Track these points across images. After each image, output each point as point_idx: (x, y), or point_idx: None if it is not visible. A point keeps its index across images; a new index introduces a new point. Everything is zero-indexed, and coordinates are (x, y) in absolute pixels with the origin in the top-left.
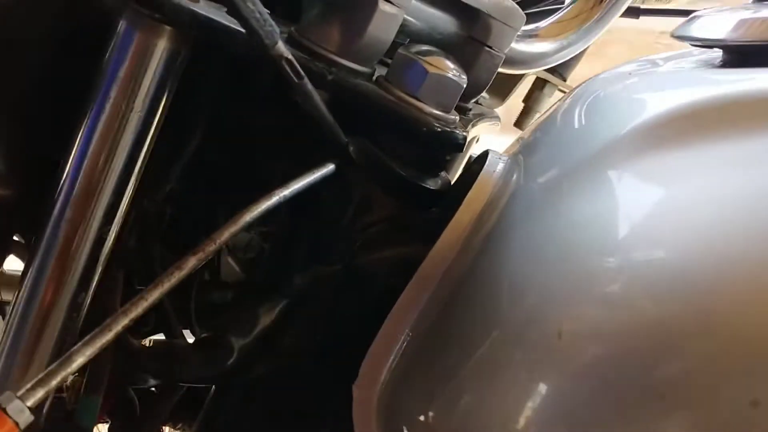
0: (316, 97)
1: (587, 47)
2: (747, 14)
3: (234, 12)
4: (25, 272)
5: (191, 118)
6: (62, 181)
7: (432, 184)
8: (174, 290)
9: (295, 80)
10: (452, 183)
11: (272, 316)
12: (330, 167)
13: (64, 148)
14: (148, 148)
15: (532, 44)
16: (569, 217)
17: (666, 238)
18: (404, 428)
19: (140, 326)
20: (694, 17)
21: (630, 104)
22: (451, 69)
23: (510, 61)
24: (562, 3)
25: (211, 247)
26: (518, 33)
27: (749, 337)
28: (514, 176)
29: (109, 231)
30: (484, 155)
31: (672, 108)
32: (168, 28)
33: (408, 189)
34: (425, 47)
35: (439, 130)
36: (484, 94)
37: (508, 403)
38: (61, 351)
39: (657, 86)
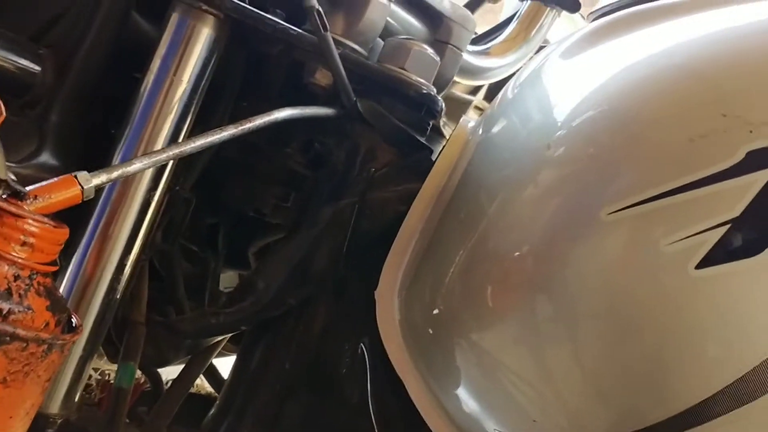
0: (335, 51)
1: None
2: None
3: None
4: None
5: (218, 108)
6: (119, 146)
7: (421, 138)
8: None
9: (322, 31)
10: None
11: (302, 251)
12: (331, 110)
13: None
14: (191, 121)
15: (485, 60)
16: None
17: (593, 98)
18: (422, 322)
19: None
20: (599, 3)
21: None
22: (428, 49)
23: (468, 73)
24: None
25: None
26: (474, 51)
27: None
28: (480, 130)
29: (154, 195)
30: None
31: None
32: (212, 17)
33: (405, 139)
34: (406, 36)
35: (424, 91)
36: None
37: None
38: None
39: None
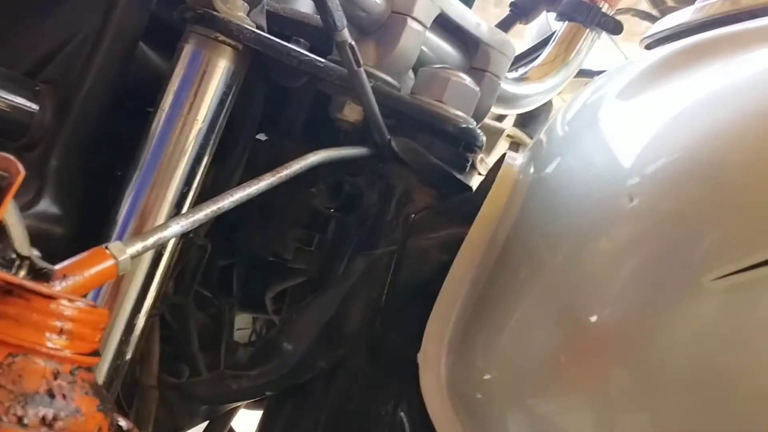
0: (368, 87)
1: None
2: (700, 2)
3: None
4: None
5: (237, 144)
6: (127, 193)
7: (460, 176)
8: None
9: (355, 67)
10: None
11: (333, 307)
12: (365, 150)
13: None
14: (206, 164)
15: (522, 86)
16: (585, 161)
17: (668, 143)
18: (471, 387)
19: None
20: (654, 29)
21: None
22: (467, 79)
23: (504, 101)
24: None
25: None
26: (511, 78)
27: None
28: (531, 168)
29: (167, 246)
30: (503, 156)
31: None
32: (229, 49)
33: (444, 179)
34: (442, 65)
35: (464, 126)
36: None
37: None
38: None
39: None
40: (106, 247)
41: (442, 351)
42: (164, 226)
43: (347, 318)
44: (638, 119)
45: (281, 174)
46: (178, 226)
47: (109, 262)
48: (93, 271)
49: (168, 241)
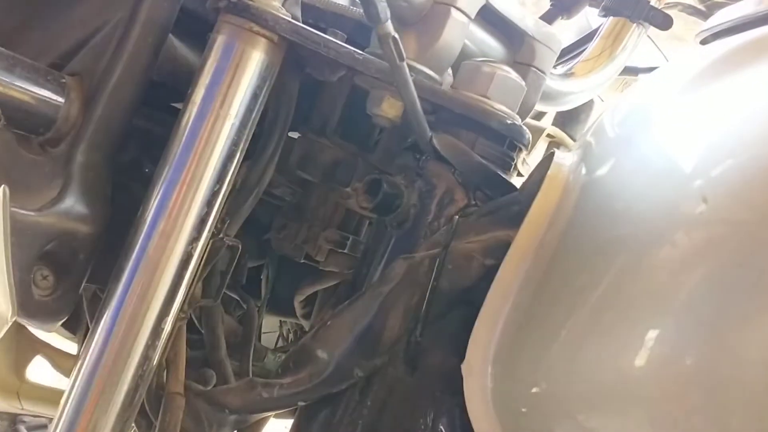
0: (411, 83)
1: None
2: None
3: None
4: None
5: (269, 141)
6: (156, 191)
7: (506, 176)
8: None
9: (397, 61)
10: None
11: (371, 313)
12: None
13: (156, 159)
14: (238, 160)
15: (567, 82)
16: (643, 162)
17: (739, 143)
18: (517, 401)
19: None
20: (710, 22)
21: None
22: (512, 73)
23: (548, 97)
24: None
25: None
26: (555, 73)
27: None
28: (582, 170)
29: (197, 246)
30: (551, 154)
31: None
32: (264, 40)
33: (489, 178)
34: (486, 59)
35: (509, 122)
36: None
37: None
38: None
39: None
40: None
41: (488, 361)
42: None
43: (385, 325)
44: (703, 117)
45: None
46: None
47: None
48: None
49: (197, 245)
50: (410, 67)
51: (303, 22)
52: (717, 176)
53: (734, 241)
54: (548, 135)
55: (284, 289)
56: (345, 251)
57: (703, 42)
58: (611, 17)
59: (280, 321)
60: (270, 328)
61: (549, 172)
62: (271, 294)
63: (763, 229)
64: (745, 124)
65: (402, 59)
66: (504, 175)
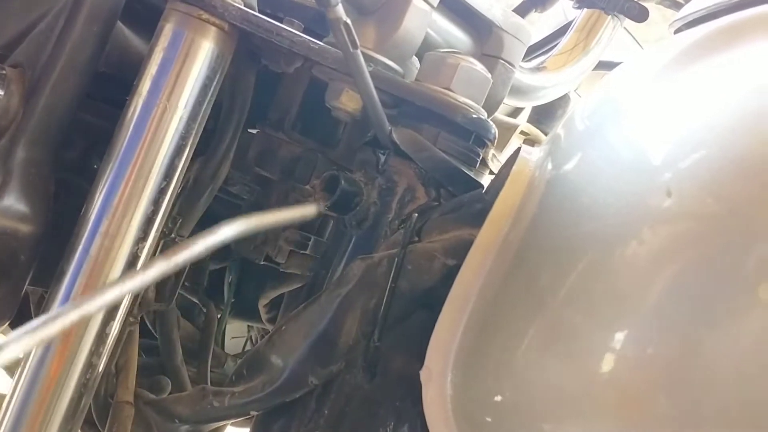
0: (366, 72)
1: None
2: None
3: None
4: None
5: (224, 136)
6: (100, 189)
7: (470, 172)
8: None
9: (350, 48)
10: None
11: (327, 317)
12: (311, 209)
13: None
14: (188, 156)
15: (538, 76)
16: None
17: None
18: (479, 409)
19: None
20: (684, 11)
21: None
22: (478, 65)
23: (518, 92)
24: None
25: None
26: (526, 67)
27: None
28: (549, 165)
29: (144, 246)
30: (518, 149)
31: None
32: (214, 28)
33: (452, 175)
34: (450, 49)
35: (474, 116)
36: None
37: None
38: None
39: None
40: None
41: (448, 367)
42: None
43: (342, 329)
44: (672, 107)
45: (177, 257)
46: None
47: None
48: None
49: (144, 245)
50: (369, 58)
51: (260, 12)
52: (685, 168)
53: (703, 237)
54: (522, 132)
55: (250, 293)
56: (306, 252)
57: (677, 31)
58: (585, 9)
59: (248, 326)
60: (238, 333)
61: (514, 168)
62: (237, 298)
63: (733, 222)
64: (715, 112)
65: (356, 47)
66: (468, 172)
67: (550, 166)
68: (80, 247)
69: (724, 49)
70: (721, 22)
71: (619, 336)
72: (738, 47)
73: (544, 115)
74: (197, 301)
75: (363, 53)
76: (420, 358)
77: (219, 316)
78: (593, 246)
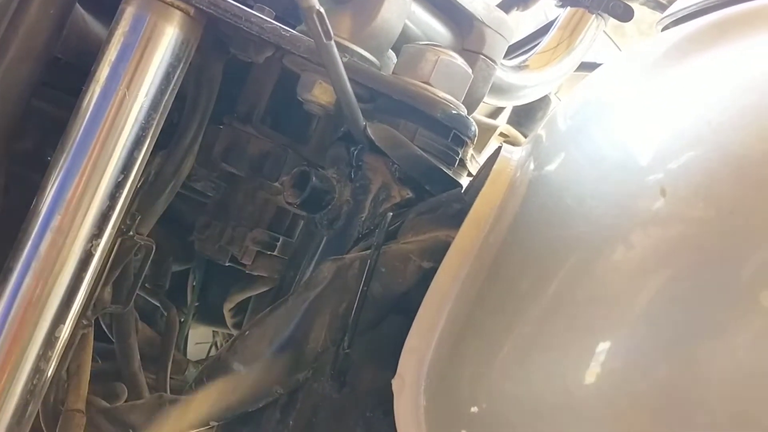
0: (340, 63)
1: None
2: None
3: None
4: None
5: (188, 129)
6: (51, 182)
7: (448, 171)
8: None
9: (324, 39)
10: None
11: (293, 321)
12: None
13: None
14: (148, 148)
15: (520, 75)
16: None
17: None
18: (454, 421)
19: None
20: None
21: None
22: (458, 58)
23: (499, 91)
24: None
25: None
26: (508, 65)
27: None
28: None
29: (98, 244)
30: (498, 149)
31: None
32: (179, 13)
33: (429, 173)
34: (430, 43)
35: (453, 112)
36: None
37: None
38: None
39: None
40: None
41: (422, 377)
42: None
43: (309, 335)
44: (661, 105)
45: None
46: None
47: None
48: None
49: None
50: (344, 48)
51: None
52: (677, 168)
53: (697, 240)
54: (501, 133)
55: (215, 296)
56: (274, 253)
57: (665, 29)
58: (569, 8)
59: (213, 331)
60: (203, 338)
61: (495, 167)
62: (201, 301)
63: (728, 225)
64: (707, 110)
65: (329, 37)
66: (447, 171)
67: (532, 166)
68: (29, 244)
69: (716, 44)
70: (711, 17)
71: (605, 346)
72: (731, 42)
73: (525, 117)
74: (158, 304)
75: (337, 43)
76: (392, 367)
77: (182, 320)
78: (578, 249)
